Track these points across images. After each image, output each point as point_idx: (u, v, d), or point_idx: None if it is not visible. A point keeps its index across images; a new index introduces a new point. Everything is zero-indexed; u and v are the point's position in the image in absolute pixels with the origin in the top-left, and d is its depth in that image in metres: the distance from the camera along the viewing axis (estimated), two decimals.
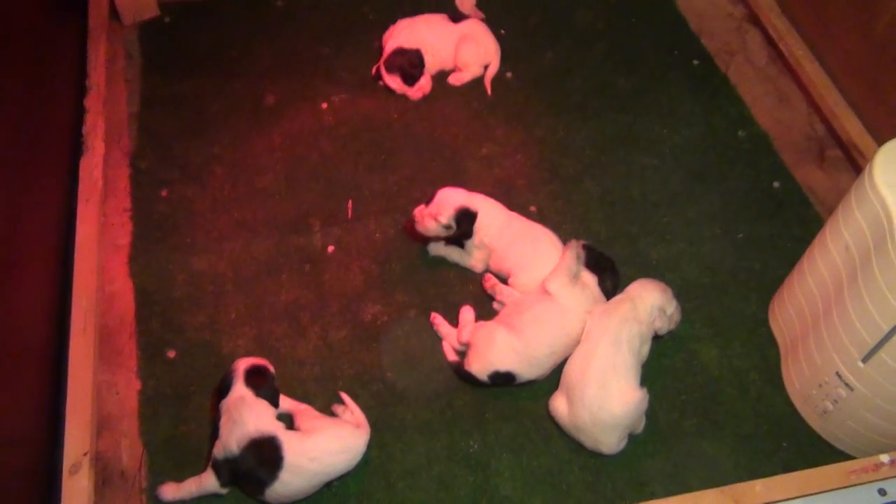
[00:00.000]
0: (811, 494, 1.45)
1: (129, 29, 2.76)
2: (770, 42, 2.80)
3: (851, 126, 2.44)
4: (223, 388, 1.87)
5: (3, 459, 1.69)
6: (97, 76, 2.40)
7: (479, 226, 2.17)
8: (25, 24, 2.25)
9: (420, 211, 2.18)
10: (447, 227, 2.16)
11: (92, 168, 2.19)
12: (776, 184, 2.46)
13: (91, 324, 1.90)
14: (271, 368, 1.92)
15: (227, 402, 1.83)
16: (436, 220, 2.14)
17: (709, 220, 2.38)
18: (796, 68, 2.66)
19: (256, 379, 1.87)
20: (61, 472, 1.75)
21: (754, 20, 2.88)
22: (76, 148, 2.33)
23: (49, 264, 2.08)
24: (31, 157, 2.12)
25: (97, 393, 1.93)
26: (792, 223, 2.37)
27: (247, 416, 1.80)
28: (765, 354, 2.12)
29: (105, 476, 1.85)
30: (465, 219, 2.15)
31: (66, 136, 2.36)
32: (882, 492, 1.46)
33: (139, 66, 2.67)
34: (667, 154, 2.54)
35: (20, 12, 2.22)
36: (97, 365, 1.91)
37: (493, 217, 2.18)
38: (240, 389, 1.85)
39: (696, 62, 2.80)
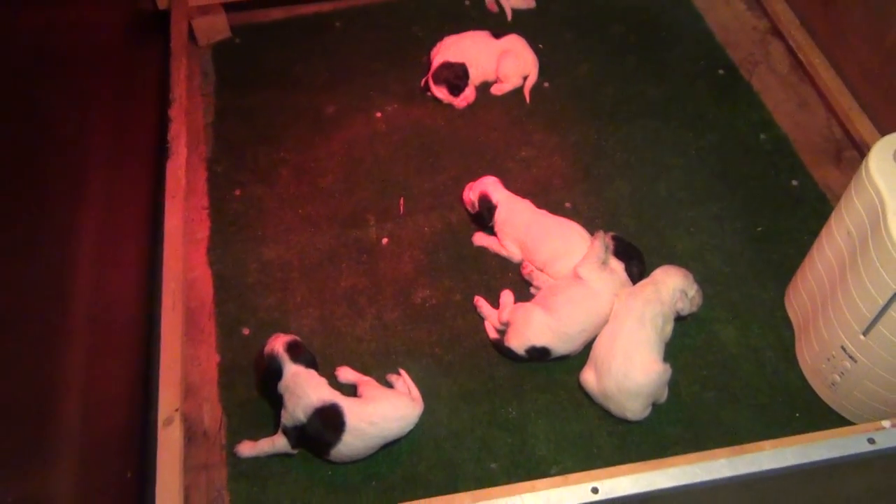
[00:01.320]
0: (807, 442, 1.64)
1: (205, 49, 3.08)
2: (791, 52, 2.99)
3: (864, 128, 2.62)
4: (273, 373, 2.05)
5: (106, 417, 1.96)
6: (179, 90, 2.70)
7: (501, 219, 2.42)
8: (117, 46, 2.55)
9: (467, 187, 2.53)
10: (473, 204, 2.46)
11: (177, 169, 2.48)
12: (794, 182, 2.65)
13: (179, 303, 2.18)
14: (297, 337, 2.13)
15: (285, 382, 2.03)
16: (470, 195, 2.49)
17: (730, 216, 2.58)
18: (814, 76, 2.85)
19: (296, 351, 2.08)
20: (154, 428, 2.02)
21: (776, 33, 3.08)
22: (160, 152, 2.63)
23: (141, 252, 2.37)
24: (124, 159, 2.41)
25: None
26: (809, 218, 2.55)
27: (307, 389, 2.02)
28: (780, 335, 2.30)
29: (190, 434, 2.11)
30: (484, 205, 2.44)
31: (152, 142, 2.66)
32: (871, 440, 1.64)
33: (214, 82, 2.98)
34: (692, 155, 2.75)
35: (113, 36, 2.53)
36: (184, 337, 2.18)
37: (516, 213, 2.43)
38: (291, 367, 2.04)
39: (721, 72, 3.01)
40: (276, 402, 2.06)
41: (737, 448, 1.77)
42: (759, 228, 2.54)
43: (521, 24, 3.13)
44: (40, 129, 1.80)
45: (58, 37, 2.02)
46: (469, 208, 2.52)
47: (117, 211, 2.25)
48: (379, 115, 2.87)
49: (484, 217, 2.45)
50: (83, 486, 1.70)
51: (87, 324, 1.86)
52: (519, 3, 3.21)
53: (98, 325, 1.93)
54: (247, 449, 2.08)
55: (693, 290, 2.23)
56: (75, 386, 1.74)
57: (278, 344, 2.09)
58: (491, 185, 2.47)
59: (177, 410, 1.98)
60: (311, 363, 2.10)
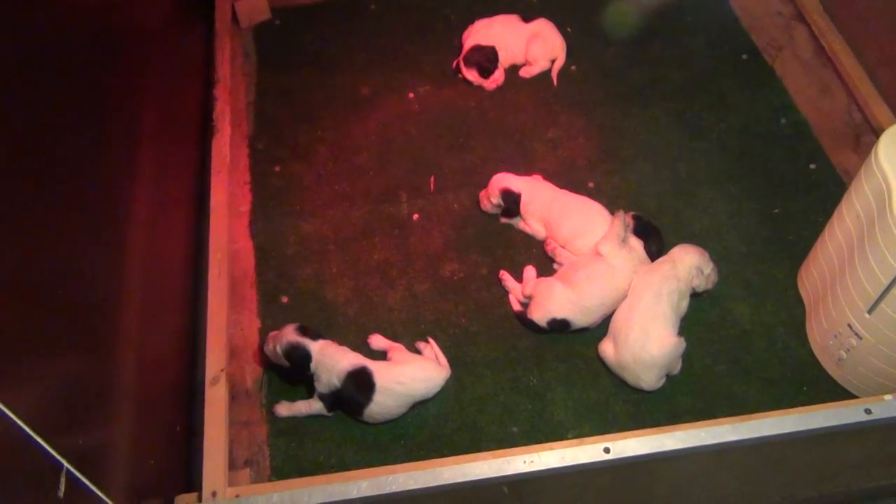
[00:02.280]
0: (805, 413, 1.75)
1: (246, 31, 3.21)
2: (814, 38, 3.06)
3: (882, 114, 2.69)
4: (302, 359, 2.16)
5: (158, 375, 2.12)
6: (223, 70, 2.84)
7: (526, 202, 2.53)
8: (166, 27, 2.69)
9: (481, 194, 2.61)
10: (497, 205, 2.56)
11: (221, 146, 2.62)
12: (812, 165, 2.73)
13: (225, 270, 2.33)
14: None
15: (315, 359, 2.16)
16: (489, 199, 2.56)
17: (748, 197, 2.67)
18: (836, 62, 2.92)
19: (308, 330, 2.21)
20: (201, 386, 2.18)
21: (800, 18, 3.14)
22: (205, 130, 2.78)
23: (188, 223, 2.52)
24: (171, 136, 2.54)
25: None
26: (825, 200, 2.62)
27: (337, 356, 2.17)
28: (792, 313, 2.40)
29: (233, 393, 2.28)
30: (508, 198, 2.53)
31: (197, 120, 2.81)
32: (868, 411, 1.75)
33: (255, 62, 3.12)
34: (713, 138, 2.84)
35: (162, 17, 2.67)
36: (231, 301, 2.34)
37: (537, 194, 2.54)
38: (315, 344, 2.17)
39: (744, 56, 3.08)
40: (311, 382, 2.20)
41: (743, 417, 1.90)
42: (776, 210, 2.63)
43: (550, 8, 3.22)
44: (100, 105, 1.94)
45: (114, 18, 2.14)
46: (490, 210, 2.60)
47: (166, 184, 2.40)
48: (412, 95, 3.00)
49: (512, 209, 2.55)
50: (138, 436, 1.86)
51: (141, 288, 2.01)
52: None
53: (150, 289, 2.08)
54: (284, 409, 2.24)
55: (709, 267, 2.34)
56: (131, 345, 1.89)
57: (290, 334, 2.19)
58: (505, 179, 2.57)
59: (222, 371, 2.14)
60: (317, 336, 2.22)
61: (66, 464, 1.44)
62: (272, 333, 2.25)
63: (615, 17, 3.20)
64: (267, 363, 2.29)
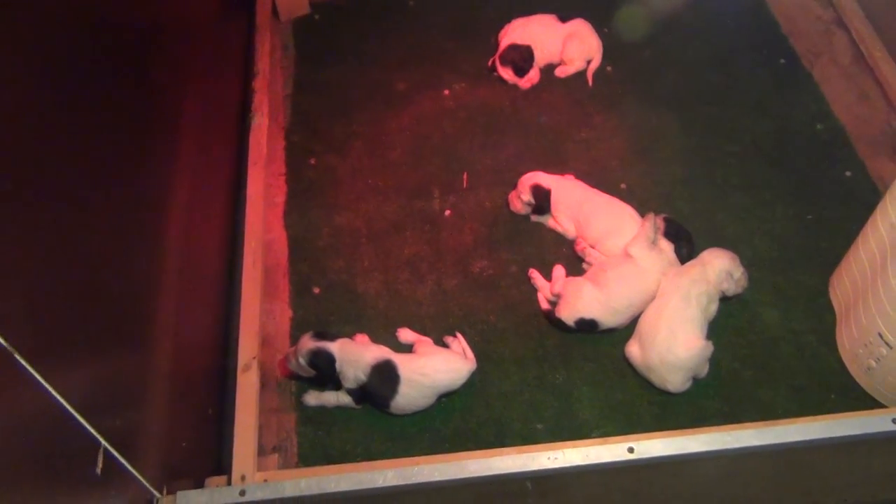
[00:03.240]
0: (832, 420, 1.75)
1: (285, 25, 3.26)
2: (854, 44, 3.03)
3: None
4: (327, 361, 2.16)
5: (192, 359, 2.17)
6: (262, 63, 2.89)
7: (555, 199, 2.55)
8: (206, 21, 2.74)
9: (510, 195, 2.62)
10: (528, 203, 2.57)
11: (259, 138, 2.67)
12: (848, 173, 2.72)
13: (259, 260, 2.38)
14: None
15: (339, 358, 2.18)
16: (519, 198, 2.58)
17: (782, 203, 2.66)
18: (875, 68, 2.89)
19: (325, 334, 2.22)
20: (233, 372, 2.23)
21: (840, 24, 3.12)
22: (242, 121, 2.83)
23: (224, 212, 2.58)
24: (211, 126, 2.59)
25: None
26: (860, 208, 2.57)
27: (359, 351, 2.20)
28: (822, 320, 2.39)
29: (264, 381, 2.32)
30: (539, 194, 2.55)
31: (235, 111, 2.86)
32: (895, 421, 1.75)
33: (293, 56, 3.16)
34: (748, 143, 2.83)
35: (203, 12, 2.71)
36: (264, 290, 2.39)
37: (568, 192, 2.55)
38: (335, 344, 2.19)
39: (782, 61, 3.06)
40: (339, 382, 2.22)
41: (769, 422, 1.90)
42: (810, 216, 2.62)
43: (587, 8, 3.22)
44: (144, 95, 1.98)
45: (159, 10, 2.19)
46: (519, 210, 2.62)
47: (204, 173, 2.44)
48: (447, 92, 3.02)
49: (543, 206, 2.57)
50: (172, 419, 1.91)
51: (178, 274, 2.05)
52: None
53: (186, 276, 2.13)
54: (313, 398, 2.27)
55: (739, 272, 2.34)
56: (167, 330, 1.94)
57: (308, 342, 2.19)
58: (536, 177, 2.59)
59: (254, 358, 2.19)
60: (330, 336, 2.23)
61: (104, 442, 1.49)
62: (289, 351, 2.27)
63: (639, 19, 3.20)
64: (295, 377, 2.31)
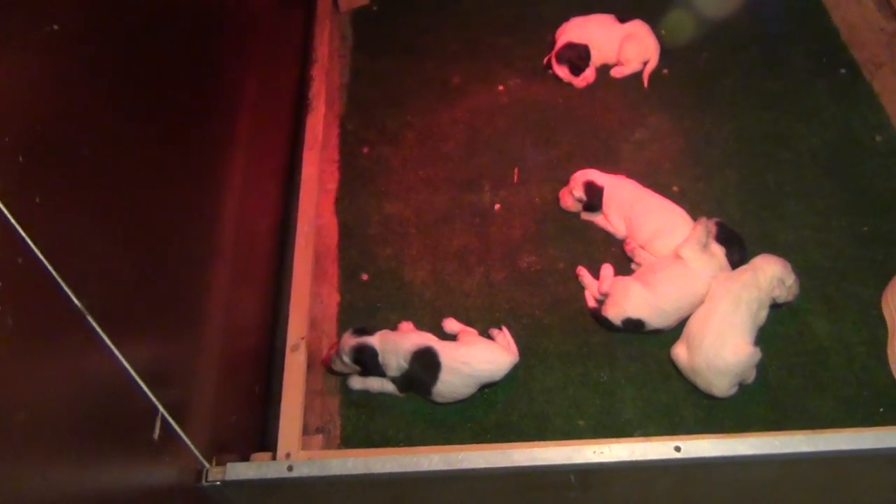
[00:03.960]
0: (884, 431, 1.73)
1: (345, 15, 3.30)
2: None
3: None
4: (370, 355, 2.19)
5: (241, 337, 2.21)
6: (321, 51, 2.93)
7: (608, 198, 2.55)
8: (268, 8, 2.78)
9: (561, 191, 2.63)
10: (580, 199, 2.57)
11: (315, 124, 2.71)
12: None
13: (311, 243, 2.41)
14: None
15: (380, 349, 2.21)
16: (571, 193, 2.58)
17: (836, 213, 2.62)
18: None
19: (362, 330, 2.24)
20: (280, 352, 2.26)
21: None
22: (299, 107, 2.87)
23: (277, 195, 2.62)
24: (269, 110, 2.64)
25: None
26: None
27: (398, 340, 2.22)
28: (873, 333, 2.35)
29: (310, 362, 2.34)
30: (591, 191, 2.55)
31: (292, 97, 2.91)
32: None
33: (350, 45, 3.20)
34: (804, 151, 2.79)
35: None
36: (314, 273, 2.42)
37: (620, 191, 2.55)
38: (374, 337, 2.22)
39: (842, 70, 3.02)
40: (384, 373, 2.24)
41: (818, 430, 1.88)
42: (865, 228, 2.58)
43: (646, 9, 3.21)
44: (207, 77, 2.02)
45: None
46: (570, 206, 2.62)
47: (260, 156, 2.49)
48: (501, 88, 3.03)
49: (595, 203, 2.57)
50: (222, 393, 1.95)
51: (231, 253, 2.09)
52: None
53: (239, 256, 2.17)
54: (358, 382, 2.30)
55: (791, 279, 2.31)
56: (220, 306, 1.98)
57: (349, 340, 2.22)
58: (589, 174, 2.59)
59: (302, 339, 2.22)
60: (366, 331, 2.26)
61: (162, 409, 1.52)
62: (331, 353, 2.29)
63: (696, 22, 3.18)
64: (341, 375, 2.33)
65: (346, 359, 2.23)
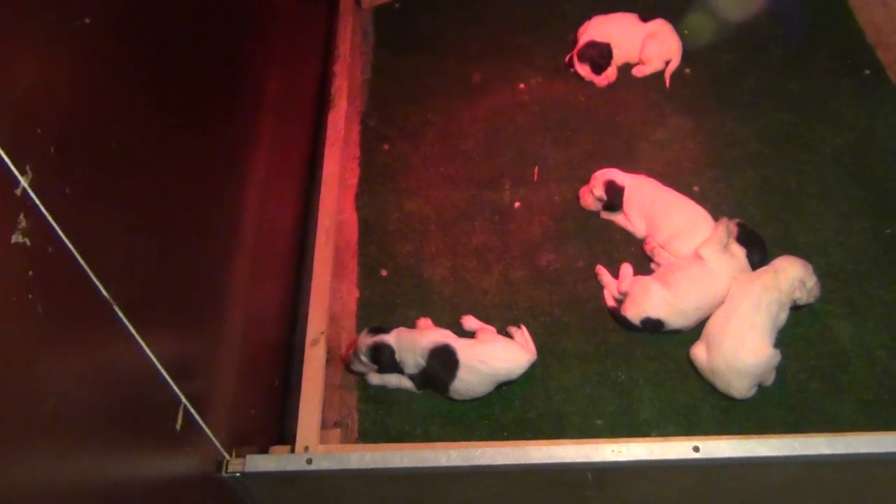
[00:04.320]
0: None
1: (367, 12, 3.31)
2: None
3: None
4: (387, 352, 2.21)
5: (261, 330, 2.23)
6: (344, 48, 2.95)
7: (629, 197, 2.55)
8: (291, 4, 2.81)
9: (581, 190, 2.62)
10: (600, 198, 2.57)
11: (337, 120, 2.73)
12: None
13: (331, 238, 2.43)
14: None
15: (397, 347, 2.22)
16: (591, 192, 2.57)
17: (859, 215, 2.60)
18: None
19: (378, 329, 2.26)
20: (299, 346, 2.28)
21: None
22: (321, 103, 2.89)
23: (298, 191, 2.63)
24: (291, 106, 2.65)
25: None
26: None
27: (415, 337, 2.24)
28: (895, 336, 2.35)
29: (329, 357, 2.36)
30: (612, 190, 2.55)
31: (314, 93, 2.92)
32: None
33: (373, 42, 3.22)
34: (827, 153, 2.77)
35: None
36: (333, 269, 2.43)
37: (640, 190, 2.55)
38: (391, 335, 2.24)
39: (867, 72, 3.00)
40: (402, 370, 2.26)
41: (838, 434, 1.87)
42: (888, 231, 2.56)
43: (669, 8, 3.20)
44: (231, 73, 2.04)
45: None
46: (590, 205, 2.62)
47: (282, 151, 2.50)
48: (522, 86, 3.03)
49: (615, 202, 2.57)
50: (241, 386, 1.96)
51: (252, 248, 2.11)
52: None
53: (260, 250, 2.18)
54: (376, 378, 2.31)
55: (812, 281, 2.30)
56: (241, 300, 2.00)
57: (366, 339, 2.24)
58: (611, 173, 2.59)
59: (322, 333, 2.23)
60: (382, 330, 2.27)
61: (184, 400, 1.54)
62: (348, 354, 2.31)
63: (719, 22, 3.16)
64: (360, 375, 2.34)
65: (364, 358, 2.24)
